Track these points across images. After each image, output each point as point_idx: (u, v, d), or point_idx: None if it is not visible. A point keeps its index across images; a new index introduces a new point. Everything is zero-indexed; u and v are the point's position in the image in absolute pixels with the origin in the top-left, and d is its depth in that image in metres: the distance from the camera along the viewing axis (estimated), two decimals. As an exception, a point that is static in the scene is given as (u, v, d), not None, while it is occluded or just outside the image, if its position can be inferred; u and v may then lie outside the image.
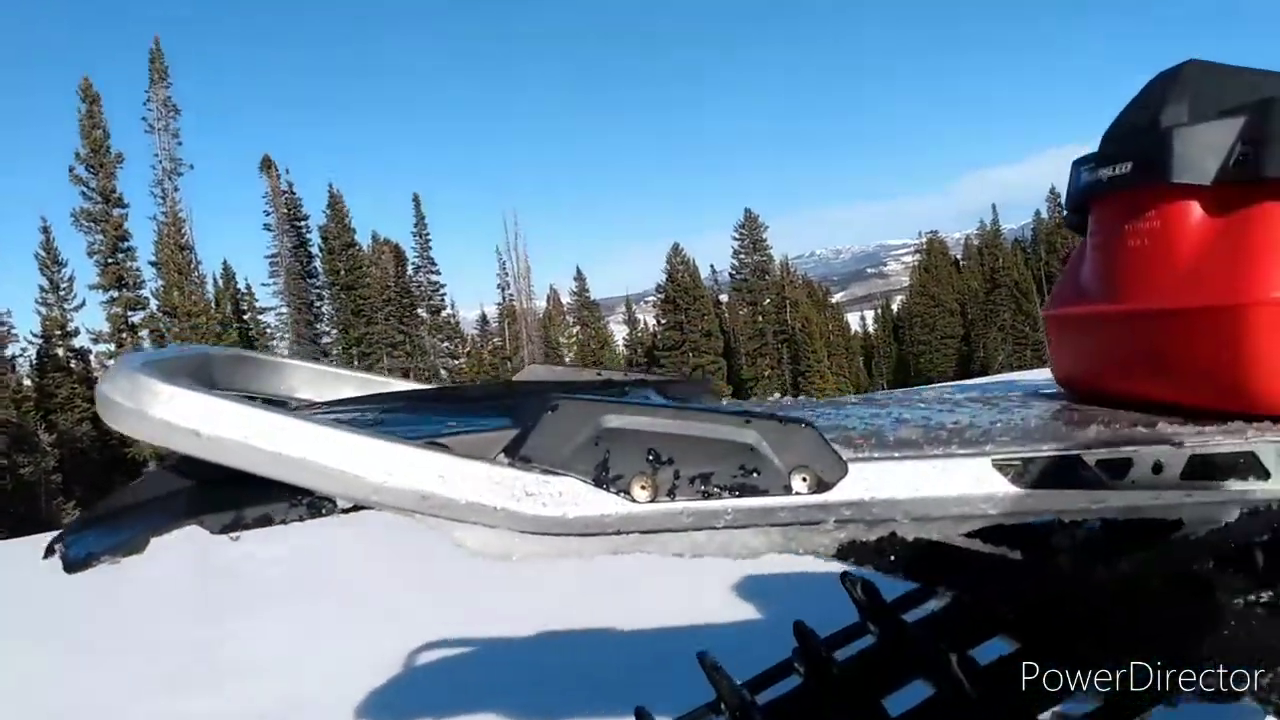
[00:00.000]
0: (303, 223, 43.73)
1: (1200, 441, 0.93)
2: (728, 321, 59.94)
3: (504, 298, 53.04)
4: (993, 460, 0.89)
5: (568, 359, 57.24)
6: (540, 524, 0.81)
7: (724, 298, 63.20)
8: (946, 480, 0.88)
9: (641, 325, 67.42)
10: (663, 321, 58.20)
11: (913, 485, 0.88)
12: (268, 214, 42.76)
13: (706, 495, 0.83)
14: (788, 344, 57.89)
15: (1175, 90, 1.11)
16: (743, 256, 60.46)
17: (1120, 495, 0.91)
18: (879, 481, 0.87)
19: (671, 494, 0.83)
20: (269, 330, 43.21)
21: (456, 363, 47.62)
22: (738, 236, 60.56)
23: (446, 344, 47.86)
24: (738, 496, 0.84)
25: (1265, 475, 0.93)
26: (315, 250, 43.57)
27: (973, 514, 0.88)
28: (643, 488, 0.82)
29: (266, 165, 42.66)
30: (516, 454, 0.82)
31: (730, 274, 61.48)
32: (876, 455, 0.89)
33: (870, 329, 69.60)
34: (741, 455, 0.84)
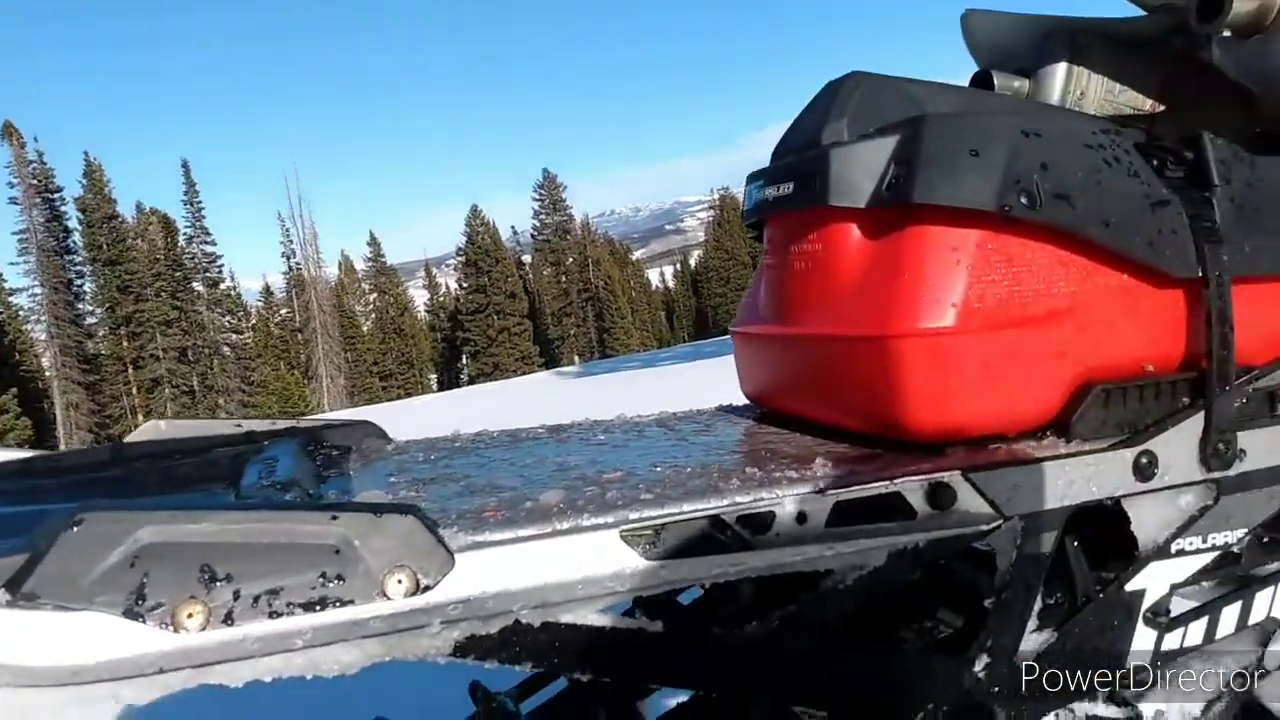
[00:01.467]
0: (56, 195, 39.58)
1: (845, 486, 0.89)
2: (531, 282, 59.58)
3: (290, 266, 50.31)
4: (621, 532, 0.81)
5: (365, 327, 55.22)
6: (57, 676, 0.66)
7: (527, 258, 62.74)
8: (570, 561, 0.79)
9: (444, 289, 65.92)
10: (465, 285, 57.06)
11: (530, 571, 0.78)
12: (13, 185, 38.40)
13: (276, 614, 0.70)
14: (592, 302, 58.26)
15: (836, 105, 1.06)
16: (543, 217, 60.10)
17: (761, 555, 0.85)
18: (491, 572, 0.77)
19: (230, 619, 0.69)
20: (23, 313, 39.05)
21: (240, 338, 44.79)
22: (538, 197, 60.10)
23: (228, 318, 44.85)
24: (318, 611, 0.71)
25: (912, 514, 0.91)
26: (73, 224, 39.62)
27: (600, 594, 0.80)
28: (191, 615, 0.68)
29: (8, 132, 38.16)
30: (19, 590, 0.65)
31: (532, 235, 61.04)
32: (494, 539, 0.78)
33: (670, 284, 71.10)
34: (323, 560, 0.71)
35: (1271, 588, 1.08)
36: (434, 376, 59.49)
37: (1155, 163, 0.99)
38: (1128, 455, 0.97)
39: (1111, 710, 1.02)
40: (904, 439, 0.98)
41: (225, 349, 43.22)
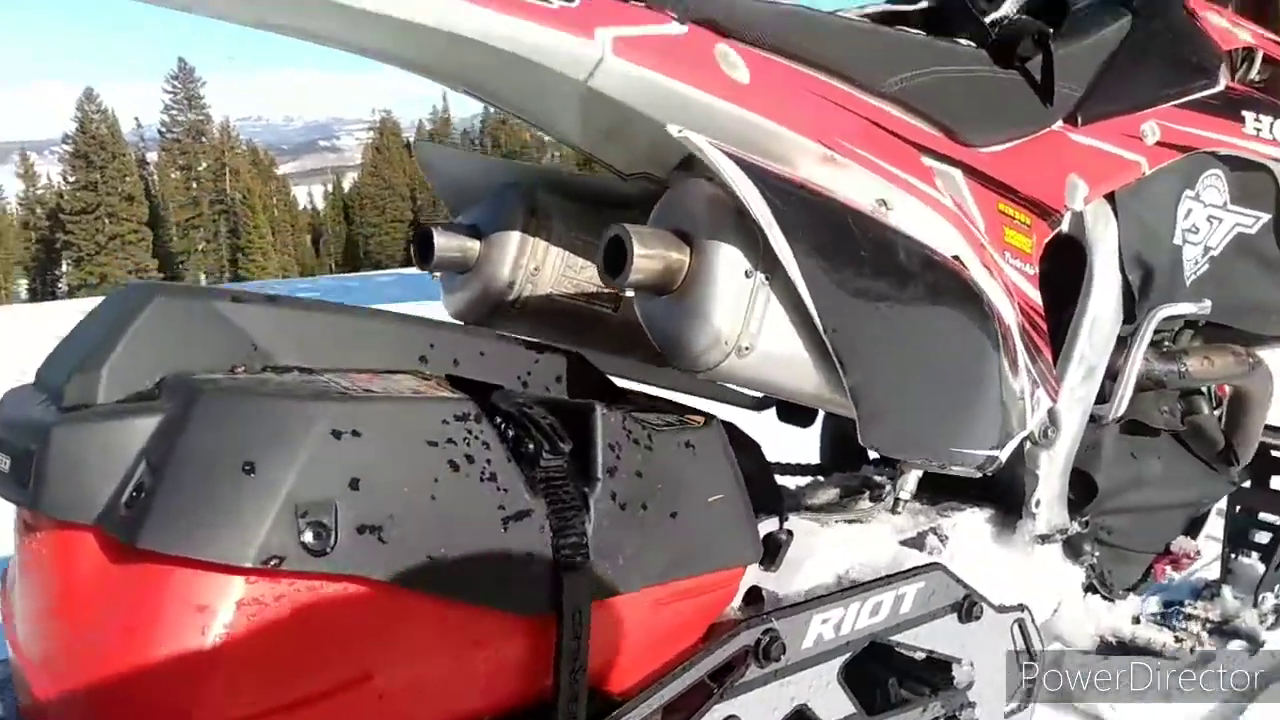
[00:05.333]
0: None
1: None
2: (155, 185, 53.10)
3: None
4: None
5: (-68, 217, 46.19)
6: None
7: (153, 157, 55.82)
8: None
9: (45, 180, 56.81)
10: (71, 179, 49.53)
11: None
12: None
13: None
14: (226, 216, 53.20)
15: (105, 340, 0.71)
16: (175, 113, 53.71)
17: None
18: None
19: None
20: None
21: None
22: (170, 89, 53.52)
23: None
24: None
25: None
26: None
27: None
28: None
29: None
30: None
31: (160, 131, 54.33)
32: None
33: (320, 206, 66.67)
34: None
35: None
36: (24, 283, 51.39)
37: (531, 447, 0.78)
38: None
39: None
40: None
41: None
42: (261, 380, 0.73)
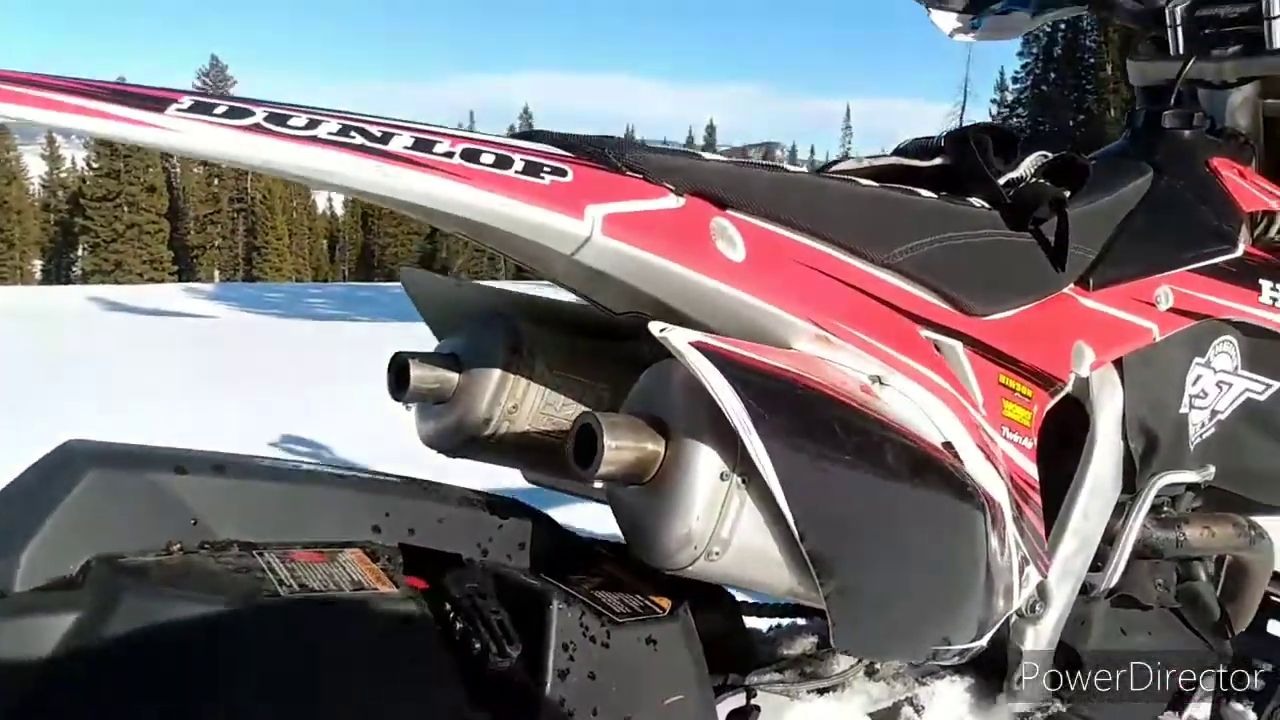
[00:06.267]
0: None
1: None
2: (178, 179, 53.56)
3: None
4: None
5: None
6: None
7: (178, 151, 56.17)
8: None
9: (69, 164, 57.37)
10: (95, 165, 50.01)
11: None
12: None
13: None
14: (245, 214, 53.57)
15: (26, 517, 0.69)
16: (204, 109, 54.16)
17: None
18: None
19: None
20: None
21: None
22: (200, 84, 54.05)
23: None
24: None
25: None
26: None
27: None
28: None
29: None
30: None
31: (187, 125, 54.74)
32: None
33: (339, 213, 67.04)
34: None
35: None
36: (39, 263, 51.67)
37: (479, 647, 0.73)
38: None
39: None
40: None
41: None
42: (188, 568, 0.69)
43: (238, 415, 5.09)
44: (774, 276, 0.87)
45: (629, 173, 0.82)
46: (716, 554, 0.78)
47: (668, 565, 0.79)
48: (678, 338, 0.75)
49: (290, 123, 0.67)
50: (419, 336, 1.16)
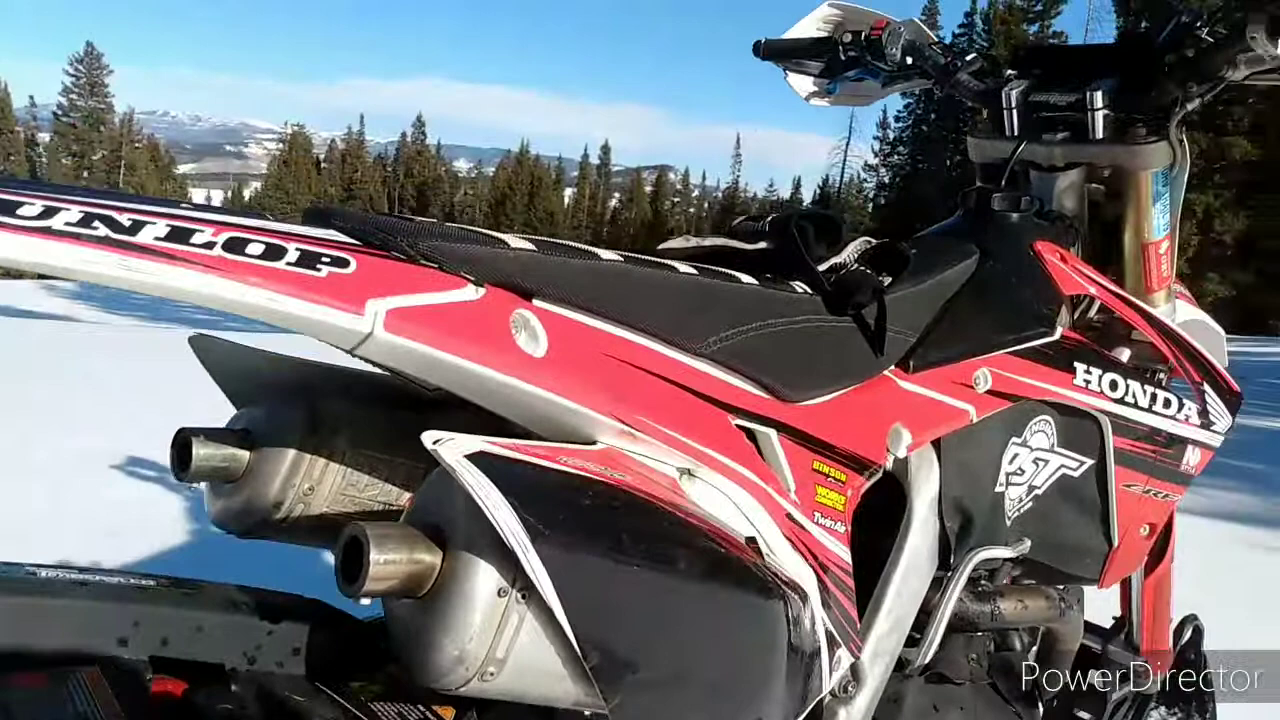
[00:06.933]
0: None
1: None
2: (43, 170, 50.46)
3: None
4: None
5: None
6: None
7: (44, 138, 53.20)
8: None
9: (-82, 147, 53.30)
10: (-53, 150, 46.70)
11: None
12: None
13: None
14: (115, 211, 50.85)
15: None
16: (75, 97, 51.44)
17: None
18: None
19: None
20: None
21: None
22: (73, 72, 51.31)
23: None
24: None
25: None
26: None
27: None
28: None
29: None
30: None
31: (55, 113, 51.90)
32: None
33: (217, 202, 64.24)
34: None
35: None
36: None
37: None
38: None
39: None
40: None
41: None
42: None
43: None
44: (577, 370, 0.85)
45: (423, 262, 0.78)
46: (492, 674, 0.74)
47: (438, 686, 0.75)
48: (450, 452, 0.71)
49: (20, 211, 0.61)
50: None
